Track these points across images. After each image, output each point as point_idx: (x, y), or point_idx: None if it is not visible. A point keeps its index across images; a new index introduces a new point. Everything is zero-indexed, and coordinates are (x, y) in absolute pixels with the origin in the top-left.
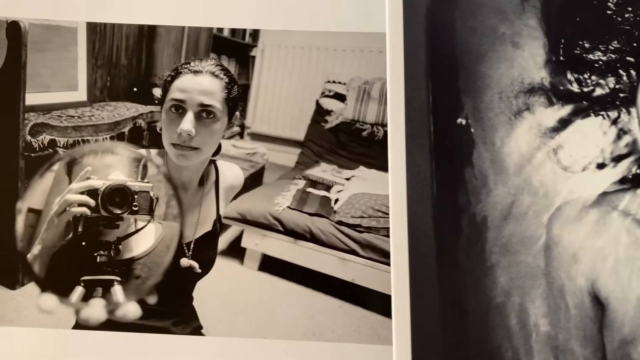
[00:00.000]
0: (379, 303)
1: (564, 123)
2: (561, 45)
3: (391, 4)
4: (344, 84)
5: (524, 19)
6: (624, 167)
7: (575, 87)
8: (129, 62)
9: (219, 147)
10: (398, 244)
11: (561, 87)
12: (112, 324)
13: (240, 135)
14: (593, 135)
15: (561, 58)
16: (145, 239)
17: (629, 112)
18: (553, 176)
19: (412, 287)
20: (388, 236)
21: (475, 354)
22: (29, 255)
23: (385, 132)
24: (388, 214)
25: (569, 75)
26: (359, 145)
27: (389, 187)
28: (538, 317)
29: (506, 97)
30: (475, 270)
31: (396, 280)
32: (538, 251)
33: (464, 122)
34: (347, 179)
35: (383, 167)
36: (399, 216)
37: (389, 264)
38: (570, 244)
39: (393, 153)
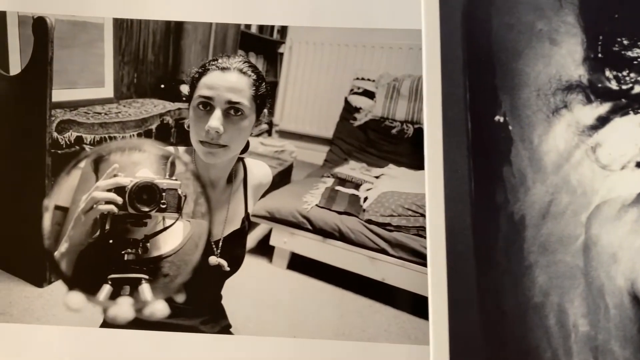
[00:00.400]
0: (409, 302)
1: (602, 121)
2: (599, 42)
3: (427, 1)
4: (373, 81)
5: (561, 15)
6: None
7: (613, 85)
8: (156, 59)
9: (247, 145)
10: (435, 243)
11: (599, 85)
12: (140, 323)
13: (269, 132)
14: (632, 133)
15: (599, 55)
16: (174, 237)
17: None
18: (591, 175)
19: (449, 286)
20: (418, 235)
21: (513, 354)
22: (56, 253)
23: (415, 130)
24: (418, 213)
25: (608, 73)
26: (388, 143)
27: (426, 186)
28: (577, 317)
29: (544, 95)
30: (514, 270)
31: (433, 280)
32: (577, 250)
33: (501, 119)
34: (377, 177)
35: (413, 165)
36: (437, 215)
37: (419, 263)
38: (610, 244)
39: (430, 151)
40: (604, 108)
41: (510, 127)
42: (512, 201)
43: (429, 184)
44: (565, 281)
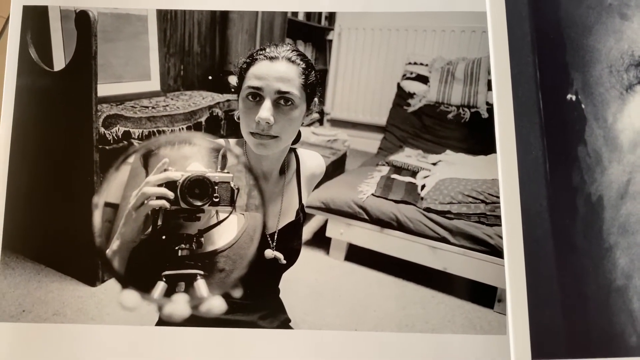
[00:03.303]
0: (473, 291)
1: None
2: None
3: None
4: (426, 65)
5: None
6: None
7: None
8: (202, 50)
9: (299, 135)
10: (511, 228)
11: None
12: (196, 320)
13: (320, 122)
14: None
15: None
16: (228, 230)
17: None
18: None
19: (528, 273)
20: (480, 222)
21: (597, 340)
22: (108, 251)
23: (472, 114)
24: (479, 199)
25: None
26: (444, 129)
27: (499, 169)
28: None
29: (616, 71)
30: (594, 253)
31: (511, 267)
32: None
33: (574, 97)
34: (434, 164)
35: (471, 150)
36: (511, 199)
37: (481, 251)
38: None
39: (501, 132)
40: None
41: (583, 106)
42: (588, 182)
43: (502, 167)
44: None
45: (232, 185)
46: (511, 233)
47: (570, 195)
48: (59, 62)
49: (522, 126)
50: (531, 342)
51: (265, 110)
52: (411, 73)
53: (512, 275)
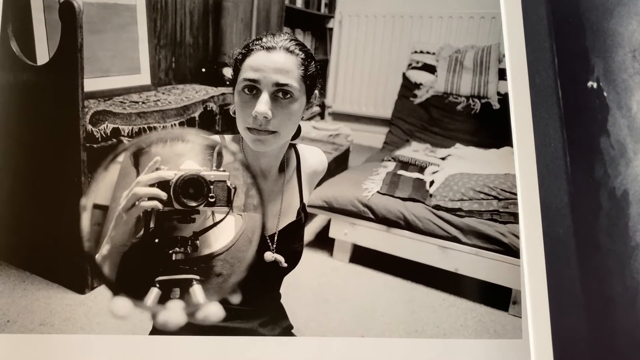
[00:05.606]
0: (486, 293)
1: None
2: None
3: None
4: (433, 53)
5: None
6: None
7: None
8: (194, 41)
9: (299, 130)
10: (530, 226)
11: None
12: (192, 328)
13: (321, 115)
14: None
15: None
16: (225, 232)
17: None
18: None
19: (549, 273)
20: (493, 220)
21: (624, 346)
22: (97, 256)
23: (483, 105)
24: (491, 195)
25: None
26: (453, 121)
27: (515, 163)
28: None
29: None
30: (619, 252)
31: (530, 267)
32: None
33: (595, 85)
34: (443, 159)
35: (482, 143)
36: (530, 195)
37: (495, 251)
38: None
39: (518, 124)
40: None
41: (605, 94)
42: (612, 175)
43: (519, 161)
44: None
45: (228, 184)
46: (530, 231)
47: (593, 190)
48: (43, 55)
49: (540, 117)
50: (553, 348)
51: (263, 104)
52: (417, 62)
53: (531, 276)
